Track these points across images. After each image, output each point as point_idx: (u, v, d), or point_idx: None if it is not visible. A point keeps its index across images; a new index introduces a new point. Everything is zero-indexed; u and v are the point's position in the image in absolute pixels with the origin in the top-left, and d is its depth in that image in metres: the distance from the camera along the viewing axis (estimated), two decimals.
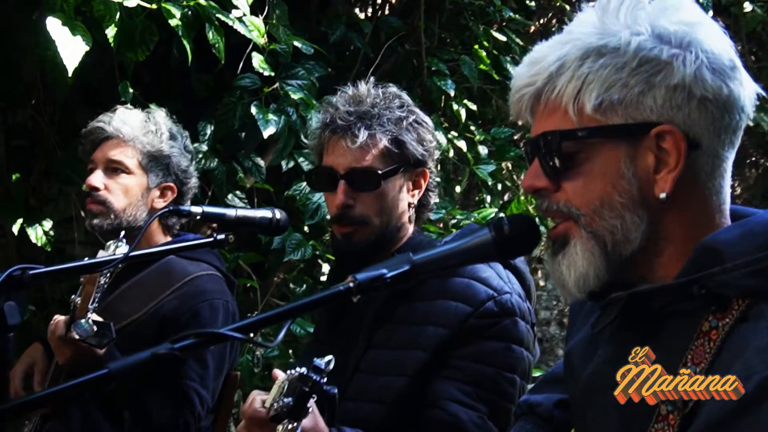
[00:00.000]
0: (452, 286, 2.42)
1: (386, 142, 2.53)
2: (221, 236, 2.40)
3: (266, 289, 4.40)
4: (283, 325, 1.56)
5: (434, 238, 2.79)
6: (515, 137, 5.29)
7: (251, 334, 1.51)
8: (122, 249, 2.47)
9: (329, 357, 1.89)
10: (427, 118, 2.66)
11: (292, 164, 4.27)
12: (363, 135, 2.50)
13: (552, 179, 1.62)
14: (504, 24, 4.98)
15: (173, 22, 3.42)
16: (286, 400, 1.88)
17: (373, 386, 2.43)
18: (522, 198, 4.91)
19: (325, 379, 1.85)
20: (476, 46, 4.68)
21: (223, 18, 3.55)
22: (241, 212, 2.46)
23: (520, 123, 5.47)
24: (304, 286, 4.58)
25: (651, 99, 1.53)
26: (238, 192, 4.26)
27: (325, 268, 4.42)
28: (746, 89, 1.56)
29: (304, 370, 1.87)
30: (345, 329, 2.63)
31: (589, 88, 1.54)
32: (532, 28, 5.86)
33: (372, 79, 2.74)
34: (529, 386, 2.43)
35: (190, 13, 3.54)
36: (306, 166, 4.19)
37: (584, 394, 1.76)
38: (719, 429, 1.39)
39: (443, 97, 4.71)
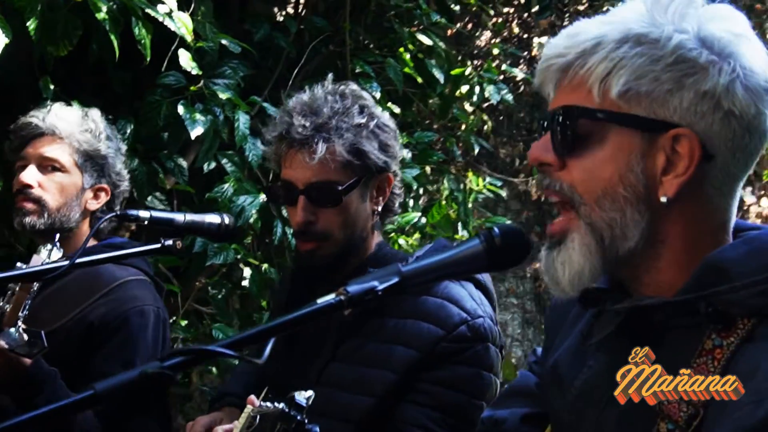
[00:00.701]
0: (425, 306, 2.36)
1: (346, 154, 2.42)
2: (169, 242, 2.30)
3: (187, 294, 4.27)
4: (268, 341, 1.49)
5: (398, 250, 2.72)
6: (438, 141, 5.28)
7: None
8: (56, 253, 2.35)
9: (309, 392, 1.80)
10: (389, 121, 2.58)
11: (213, 165, 4.16)
12: (321, 149, 2.40)
13: (560, 155, 1.58)
14: (423, 27, 4.96)
15: (100, 16, 3.28)
16: None
17: (336, 402, 2.35)
18: (443, 203, 4.90)
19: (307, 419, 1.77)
20: (401, 49, 4.64)
21: (152, 13, 3.42)
22: (190, 217, 2.36)
23: (435, 126, 5.47)
24: (224, 290, 4.48)
25: (678, 99, 1.50)
26: (157, 193, 4.12)
27: (247, 272, 4.30)
28: None
29: (283, 406, 1.78)
30: (306, 338, 2.55)
31: (619, 72, 1.50)
32: (449, 32, 5.89)
33: (330, 82, 2.65)
34: None
35: (115, 7, 3.40)
36: (230, 167, 4.09)
37: (575, 406, 1.72)
38: None
39: None
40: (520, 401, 2.14)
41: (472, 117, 5.31)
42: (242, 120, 3.89)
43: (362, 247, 2.56)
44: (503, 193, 5.23)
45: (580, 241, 1.57)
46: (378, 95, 4.48)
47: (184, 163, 4.10)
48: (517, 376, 2.23)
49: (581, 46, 1.53)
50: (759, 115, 1.51)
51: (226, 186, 4.07)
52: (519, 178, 6.24)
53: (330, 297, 1.53)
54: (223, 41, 3.90)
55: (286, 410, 1.75)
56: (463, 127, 5.32)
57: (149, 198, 4.05)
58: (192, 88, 3.81)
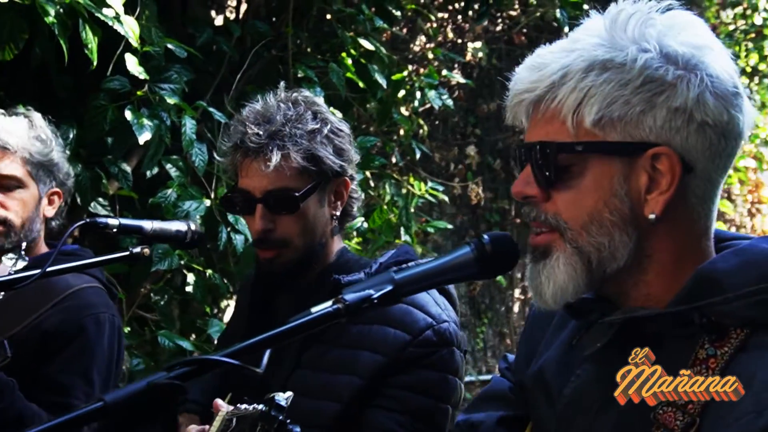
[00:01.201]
0: (390, 312, 2.36)
1: (301, 160, 2.43)
2: (137, 250, 2.28)
3: (132, 300, 4.21)
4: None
5: (360, 256, 2.73)
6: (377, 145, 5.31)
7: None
8: (21, 263, 2.31)
9: (289, 393, 1.80)
10: (343, 126, 2.59)
11: (156, 170, 4.12)
12: (276, 157, 2.40)
13: (543, 189, 1.61)
14: (364, 32, 4.98)
15: (49, 20, 3.23)
16: None
17: (303, 409, 2.35)
18: (384, 207, 4.93)
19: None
20: (343, 54, 4.66)
21: (101, 16, 3.38)
22: (157, 225, 2.35)
23: (372, 131, 5.50)
24: (166, 296, 4.43)
25: (651, 119, 1.53)
26: (100, 199, 4.06)
27: (190, 278, 4.27)
28: (746, 116, 1.58)
29: (262, 407, 1.78)
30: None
31: (590, 101, 1.53)
32: (385, 37, 5.92)
33: (282, 90, 2.66)
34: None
35: (62, 10, 3.34)
36: (174, 173, 4.05)
37: (565, 414, 1.75)
38: None
39: None
40: (495, 405, 2.17)
41: (408, 121, 5.35)
42: (189, 125, 3.86)
43: (323, 253, 2.57)
44: (446, 198, 5.28)
45: (565, 261, 1.60)
46: (321, 100, 4.48)
47: (128, 169, 4.04)
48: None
49: (549, 79, 1.56)
50: (731, 119, 1.56)
51: (169, 191, 4.03)
52: (454, 182, 6.31)
53: (327, 305, 1.53)
54: (169, 45, 3.87)
55: (267, 411, 1.74)
56: (402, 131, 5.36)
57: (92, 204, 3.99)
58: (139, 92, 3.77)
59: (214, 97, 4.42)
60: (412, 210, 4.96)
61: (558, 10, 5.06)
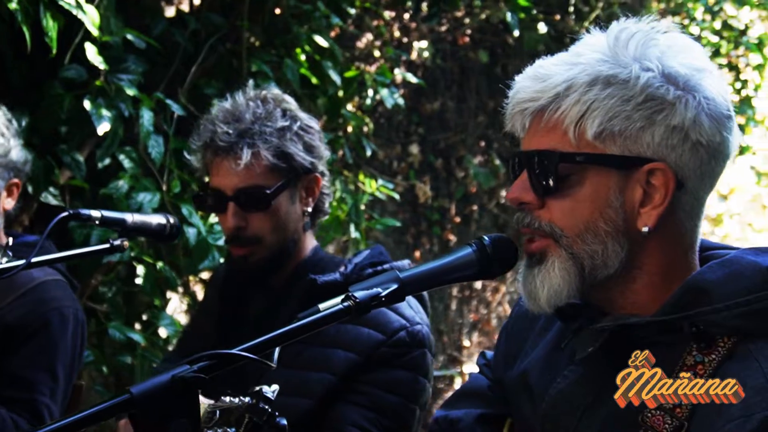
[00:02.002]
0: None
1: (271, 158, 2.46)
2: (117, 242, 2.27)
3: (82, 292, 4.15)
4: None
5: (333, 255, 2.75)
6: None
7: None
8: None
9: (275, 386, 1.82)
10: (313, 122, 2.62)
11: (108, 161, 4.07)
12: (246, 155, 2.43)
13: (539, 196, 1.67)
14: (317, 28, 4.98)
15: (12, 6, 3.18)
16: (230, 430, 1.79)
17: (276, 405, 2.37)
18: (334, 203, 4.94)
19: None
20: (298, 50, 4.66)
21: (63, 4, 3.34)
22: (138, 218, 2.34)
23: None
24: (114, 288, 4.38)
25: (650, 135, 1.60)
26: (51, 189, 3.99)
27: (140, 270, 4.23)
28: (734, 138, 1.66)
29: (248, 399, 1.79)
30: (243, 340, 2.55)
31: (592, 114, 1.59)
32: (333, 34, 5.93)
33: (251, 88, 2.67)
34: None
35: None
36: (127, 164, 4.01)
37: (550, 414, 1.81)
38: None
39: None
40: (473, 402, 2.22)
41: (358, 119, 5.38)
42: (146, 116, 3.84)
43: (295, 249, 2.59)
44: (396, 195, 5.33)
45: (560, 266, 1.66)
46: (290, 98, 4.47)
47: (81, 159, 3.99)
48: None
49: (553, 90, 1.62)
50: (723, 141, 1.64)
51: (121, 182, 3.99)
52: (397, 179, 6.35)
53: (336, 303, 1.55)
54: (129, 36, 3.83)
55: (254, 403, 1.75)
56: (350, 128, 5.38)
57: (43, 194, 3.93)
58: (97, 82, 3.72)
59: (166, 89, 4.38)
60: (363, 207, 4.99)
61: (509, 14, 5.15)
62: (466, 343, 7.65)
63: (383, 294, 1.56)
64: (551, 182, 1.65)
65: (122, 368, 4.23)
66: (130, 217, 2.32)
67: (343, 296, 1.56)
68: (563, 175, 1.64)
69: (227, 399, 1.85)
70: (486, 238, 1.67)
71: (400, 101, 5.02)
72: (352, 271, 2.48)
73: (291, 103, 2.61)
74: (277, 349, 1.52)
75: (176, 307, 5.37)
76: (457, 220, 7.18)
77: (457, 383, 7.29)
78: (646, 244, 1.67)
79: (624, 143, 1.61)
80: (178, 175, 4.17)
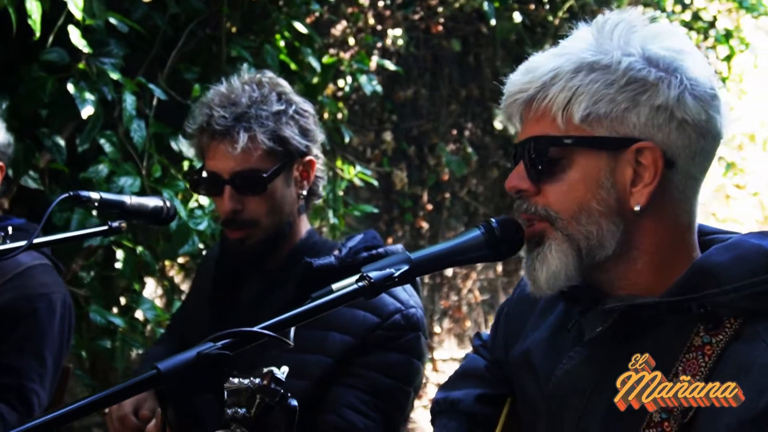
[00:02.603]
0: None
1: (268, 141, 2.48)
2: (115, 224, 2.29)
3: (63, 277, 4.14)
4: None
5: (327, 239, 2.78)
6: None
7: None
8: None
9: (285, 368, 1.84)
10: (308, 106, 2.64)
11: (87, 145, 4.06)
12: (243, 138, 2.45)
13: (534, 182, 1.72)
14: (296, 15, 4.98)
15: None
16: (240, 411, 1.81)
17: None
18: None
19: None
20: (277, 36, 4.67)
21: None
22: (136, 200, 2.35)
23: None
24: (92, 273, 4.38)
25: (635, 116, 1.65)
26: (31, 172, 3.98)
27: (120, 254, 4.22)
28: (723, 117, 1.71)
29: (258, 381, 1.81)
30: (238, 323, 2.56)
31: (578, 99, 1.65)
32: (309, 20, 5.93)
33: (245, 72, 2.69)
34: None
35: None
36: (108, 148, 4.00)
37: (558, 394, 1.85)
38: None
39: None
40: (472, 383, 2.27)
41: (335, 105, 5.40)
42: (129, 100, 3.84)
43: (290, 233, 2.61)
44: (375, 182, 5.35)
45: (557, 248, 1.71)
46: (284, 81, 4.48)
47: (62, 142, 3.97)
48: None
49: (540, 80, 1.68)
50: (710, 119, 1.69)
51: (101, 166, 3.98)
52: (370, 166, 6.37)
53: (350, 283, 1.59)
54: (111, 20, 3.82)
55: (266, 384, 1.77)
56: (326, 115, 5.40)
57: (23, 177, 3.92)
58: (80, 65, 3.71)
59: (145, 74, 4.37)
60: (341, 193, 5.01)
61: (485, 2, 5.19)
62: (436, 329, 7.72)
63: (396, 275, 1.60)
64: (543, 167, 1.70)
65: (101, 353, 4.22)
66: (128, 200, 2.33)
67: (357, 277, 1.59)
68: (554, 159, 1.69)
69: (236, 380, 1.87)
70: (493, 220, 1.71)
71: (379, 88, 5.05)
72: (346, 255, 2.51)
73: (285, 86, 2.63)
74: (293, 329, 1.53)
75: (151, 292, 5.37)
76: (429, 207, 7.22)
77: (428, 369, 7.33)
78: (640, 223, 1.71)
79: (611, 125, 1.66)
80: (158, 160, 4.16)
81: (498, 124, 7.41)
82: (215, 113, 2.48)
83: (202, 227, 4.12)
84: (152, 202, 2.40)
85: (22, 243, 2.09)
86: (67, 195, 2.22)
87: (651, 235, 1.73)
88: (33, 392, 2.75)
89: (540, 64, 1.71)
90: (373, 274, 1.58)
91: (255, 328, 1.44)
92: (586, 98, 1.65)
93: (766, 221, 10.96)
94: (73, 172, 4.12)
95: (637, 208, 1.69)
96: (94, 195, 2.27)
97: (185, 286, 5.16)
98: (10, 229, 2.50)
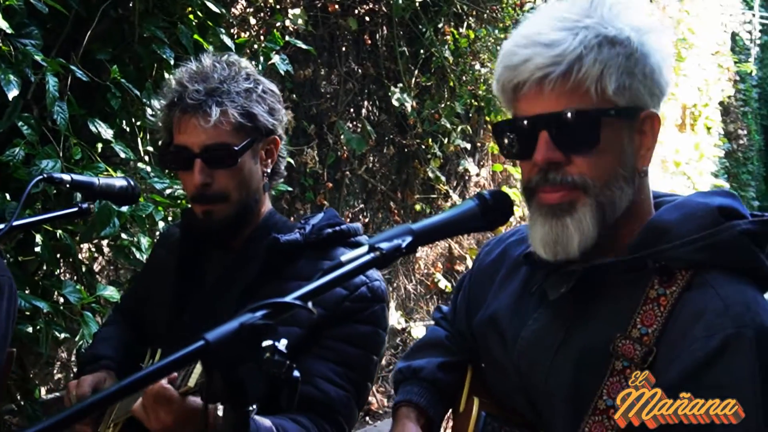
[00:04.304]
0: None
1: (238, 116, 2.53)
2: (85, 205, 2.31)
3: None
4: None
5: (286, 219, 2.83)
6: None
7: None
8: None
9: (284, 340, 1.88)
10: (273, 87, 2.69)
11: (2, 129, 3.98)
12: (215, 112, 2.49)
13: (567, 152, 1.82)
14: None
15: None
16: None
17: None
18: None
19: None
20: (191, 16, 4.66)
21: None
22: (104, 181, 2.38)
23: None
24: (10, 257, 4.29)
25: (642, 86, 1.81)
26: None
27: (38, 238, 4.16)
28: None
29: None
30: (203, 301, 2.61)
31: (609, 72, 1.77)
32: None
33: (211, 53, 2.72)
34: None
35: None
36: (26, 130, 3.93)
37: (527, 353, 2.00)
38: (690, 379, 1.68)
39: (155, 65, 4.64)
40: (434, 352, 2.41)
41: None
42: (51, 82, 3.78)
43: (256, 209, 2.67)
44: (291, 160, 5.38)
45: (590, 213, 1.82)
46: (172, 61, 4.48)
47: None
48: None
49: (573, 53, 1.78)
50: (668, 83, 1.88)
51: (16, 149, 3.92)
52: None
53: (361, 253, 1.65)
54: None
55: (270, 357, 1.81)
56: None
57: None
58: (3, 47, 3.64)
59: (57, 55, 4.30)
60: None
61: None
62: None
63: (404, 245, 1.68)
64: (579, 137, 1.81)
65: (23, 337, 4.16)
66: (97, 181, 2.35)
67: (366, 248, 1.66)
68: (588, 129, 1.80)
69: None
70: (486, 192, 1.81)
71: (290, 68, 5.09)
72: (310, 232, 2.58)
73: (251, 67, 2.68)
74: (310, 303, 1.59)
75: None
76: (330, 185, 7.29)
77: None
78: (641, 184, 1.89)
79: (630, 96, 1.81)
80: (76, 142, 4.11)
81: (395, 102, 7.52)
82: (189, 87, 2.51)
83: (124, 208, 4.10)
84: (117, 182, 2.43)
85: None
86: (41, 177, 2.23)
87: (641, 198, 1.91)
88: None
89: (560, 38, 1.79)
90: (384, 245, 1.65)
91: (286, 299, 1.50)
92: (615, 71, 1.78)
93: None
94: None
95: (644, 168, 1.87)
96: (66, 177, 2.30)
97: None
98: None
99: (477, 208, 1.80)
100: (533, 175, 1.87)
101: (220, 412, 1.48)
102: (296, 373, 1.72)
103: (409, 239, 1.71)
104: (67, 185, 2.27)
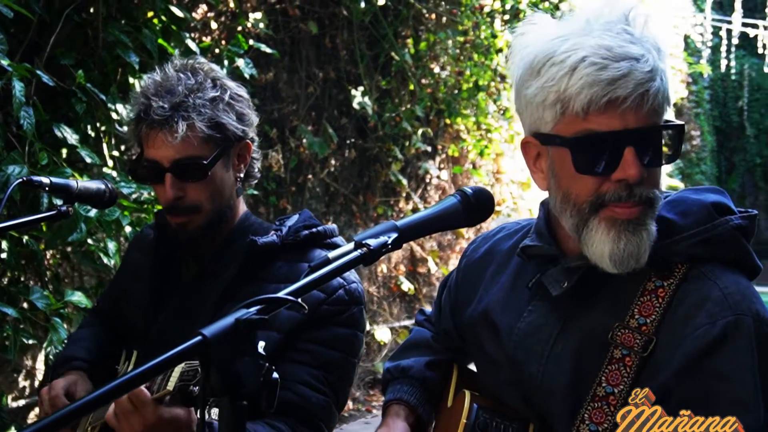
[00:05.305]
0: (303, 271, 2.45)
1: (206, 129, 2.50)
2: (63, 208, 2.32)
3: None
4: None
5: (262, 221, 2.82)
6: None
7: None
8: None
9: (262, 342, 1.88)
10: (242, 91, 2.67)
11: None
12: (182, 127, 2.46)
13: (649, 167, 1.84)
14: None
15: None
16: None
17: None
18: None
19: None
20: (155, 20, 4.66)
21: None
22: (81, 184, 2.38)
23: None
24: None
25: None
26: None
27: (4, 244, 4.14)
28: None
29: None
30: (180, 302, 2.62)
31: (669, 85, 1.83)
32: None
33: (177, 58, 2.71)
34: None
35: None
36: None
37: (523, 345, 2.04)
38: (693, 365, 1.75)
39: (119, 69, 4.63)
40: (421, 352, 2.46)
41: None
42: (18, 87, 3.76)
43: (230, 215, 2.67)
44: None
45: (654, 224, 1.86)
46: (137, 66, 4.47)
47: None
48: None
49: (657, 68, 1.80)
50: None
51: None
52: None
53: (349, 250, 1.68)
54: None
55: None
56: None
57: None
58: None
59: (21, 61, 4.28)
60: None
61: None
62: None
63: (390, 241, 1.70)
64: (660, 152, 1.84)
65: None
66: (75, 184, 2.35)
67: (353, 245, 1.69)
68: (674, 143, 1.89)
69: None
70: (468, 189, 1.84)
71: (254, 71, 5.10)
72: (287, 233, 2.58)
73: (218, 71, 2.65)
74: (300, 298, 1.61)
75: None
76: (293, 189, 7.31)
77: None
78: None
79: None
80: (41, 147, 4.09)
81: (356, 105, 7.56)
82: (153, 103, 2.47)
83: (92, 213, 4.08)
84: (94, 185, 2.43)
85: None
86: (21, 180, 2.23)
87: None
88: None
89: (638, 53, 1.79)
90: (371, 242, 1.67)
91: (279, 294, 1.52)
92: (670, 86, 1.85)
93: None
94: None
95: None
96: (45, 180, 2.30)
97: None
98: None
99: (459, 204, 1.83)
100: (609, 190, 1.84)
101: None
102: (275, 375, 1.74)
103: (394, 235, 1.73)
104: (46, 188, 2.27)
